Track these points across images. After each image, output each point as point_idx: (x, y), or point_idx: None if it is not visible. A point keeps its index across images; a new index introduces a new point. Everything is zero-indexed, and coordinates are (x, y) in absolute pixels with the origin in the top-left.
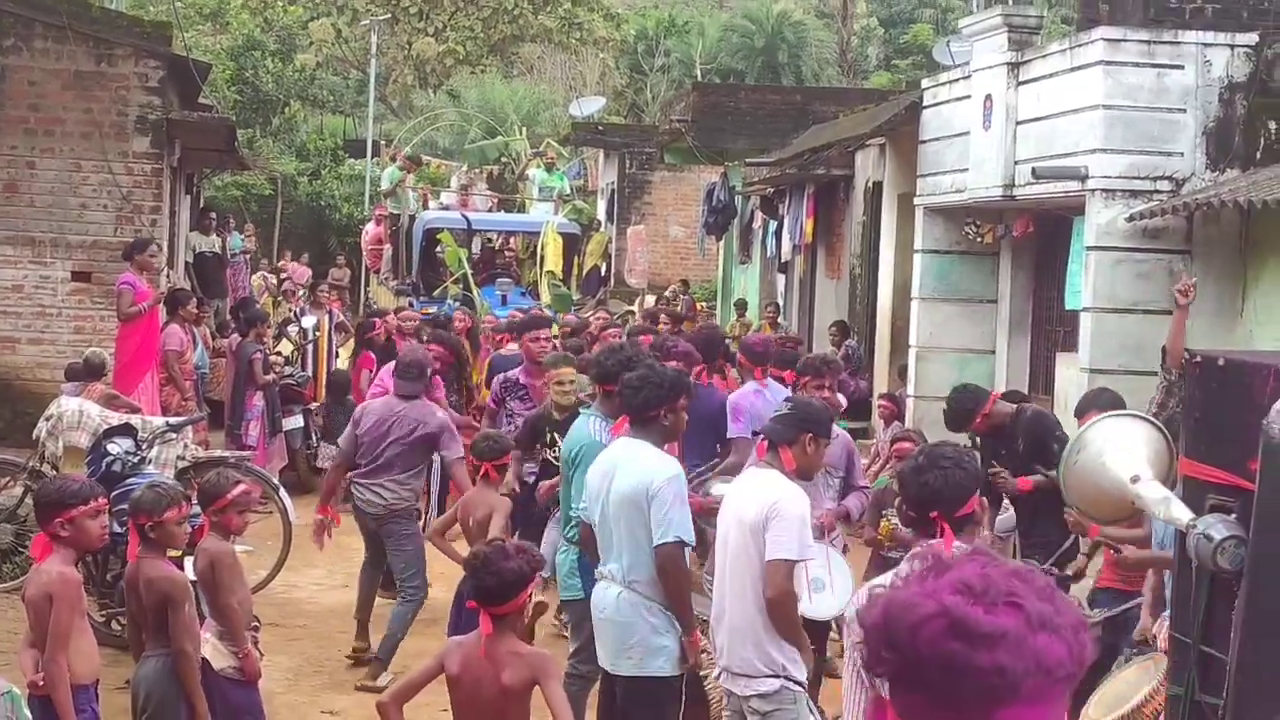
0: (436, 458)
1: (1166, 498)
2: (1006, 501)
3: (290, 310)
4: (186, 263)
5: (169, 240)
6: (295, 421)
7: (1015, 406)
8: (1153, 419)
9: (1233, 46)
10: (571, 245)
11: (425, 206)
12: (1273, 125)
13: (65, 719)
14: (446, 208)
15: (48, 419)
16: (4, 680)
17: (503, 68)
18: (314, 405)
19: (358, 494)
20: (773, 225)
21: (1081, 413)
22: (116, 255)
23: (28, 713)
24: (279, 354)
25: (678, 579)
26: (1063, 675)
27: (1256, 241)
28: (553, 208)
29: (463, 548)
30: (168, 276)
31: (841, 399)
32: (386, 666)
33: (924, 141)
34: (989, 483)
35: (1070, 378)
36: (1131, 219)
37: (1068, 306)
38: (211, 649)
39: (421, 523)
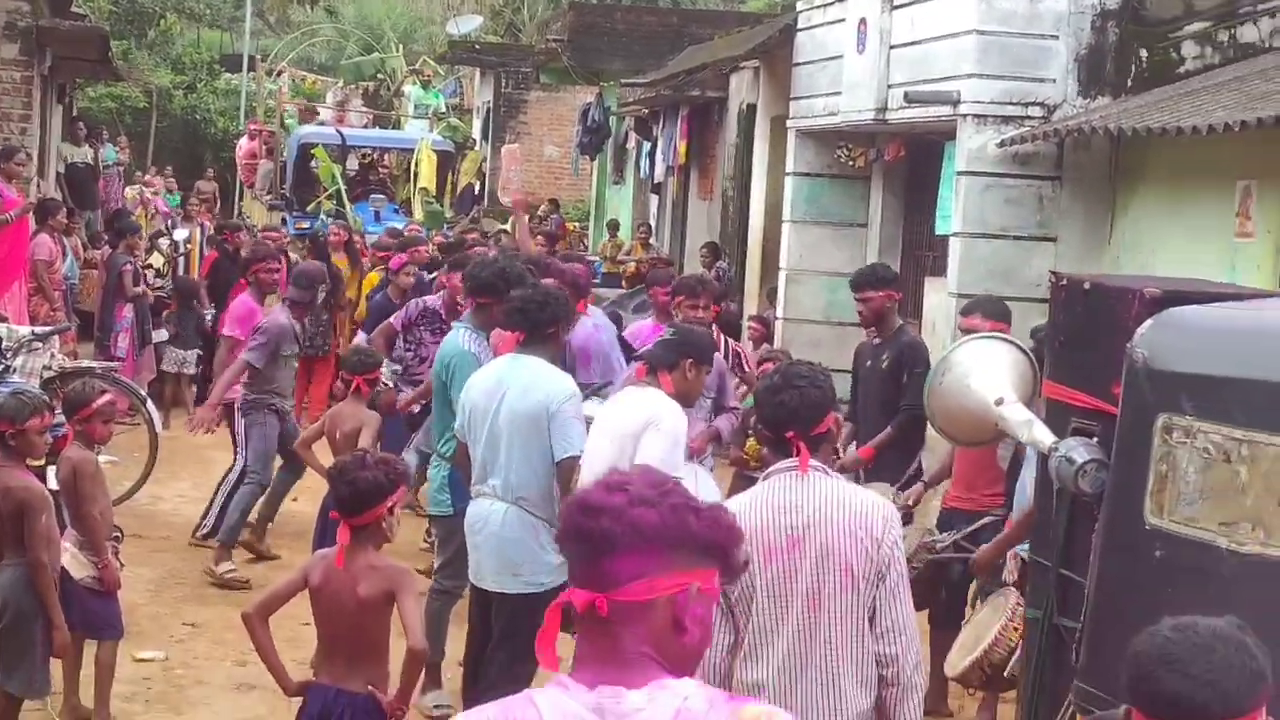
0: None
1: (1029, 420)
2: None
3: (163, 224)
4: (58, 173)
5: (39, 150)
6: (164, 334)
7: (901, 323)
8: (1019, 343)
9: None
10: (446, 163)
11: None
12: (1144, 53)
13: None
14: (323, 123)
15: None
16: None
17: None
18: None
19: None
20: (646, 146)
21: (968, 312)
22: None
23: None
24: (150, 266)
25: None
26: (655, 535)
27: (1126, 169)
28: (428, 125)
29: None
30: (38, 186)
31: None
32: (229, 554)
33: (798, 64)
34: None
35: (938, 302)
36: (1002, 144)
37: (937, 231)
38: (71, 558)
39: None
